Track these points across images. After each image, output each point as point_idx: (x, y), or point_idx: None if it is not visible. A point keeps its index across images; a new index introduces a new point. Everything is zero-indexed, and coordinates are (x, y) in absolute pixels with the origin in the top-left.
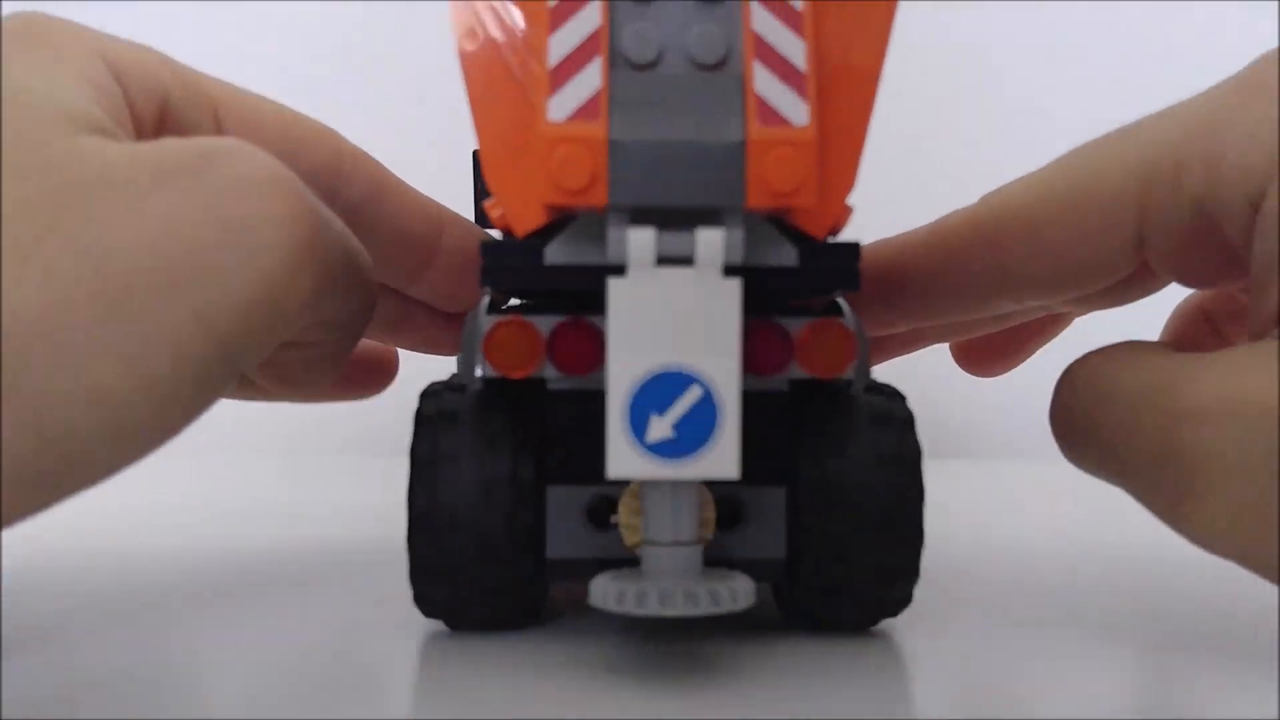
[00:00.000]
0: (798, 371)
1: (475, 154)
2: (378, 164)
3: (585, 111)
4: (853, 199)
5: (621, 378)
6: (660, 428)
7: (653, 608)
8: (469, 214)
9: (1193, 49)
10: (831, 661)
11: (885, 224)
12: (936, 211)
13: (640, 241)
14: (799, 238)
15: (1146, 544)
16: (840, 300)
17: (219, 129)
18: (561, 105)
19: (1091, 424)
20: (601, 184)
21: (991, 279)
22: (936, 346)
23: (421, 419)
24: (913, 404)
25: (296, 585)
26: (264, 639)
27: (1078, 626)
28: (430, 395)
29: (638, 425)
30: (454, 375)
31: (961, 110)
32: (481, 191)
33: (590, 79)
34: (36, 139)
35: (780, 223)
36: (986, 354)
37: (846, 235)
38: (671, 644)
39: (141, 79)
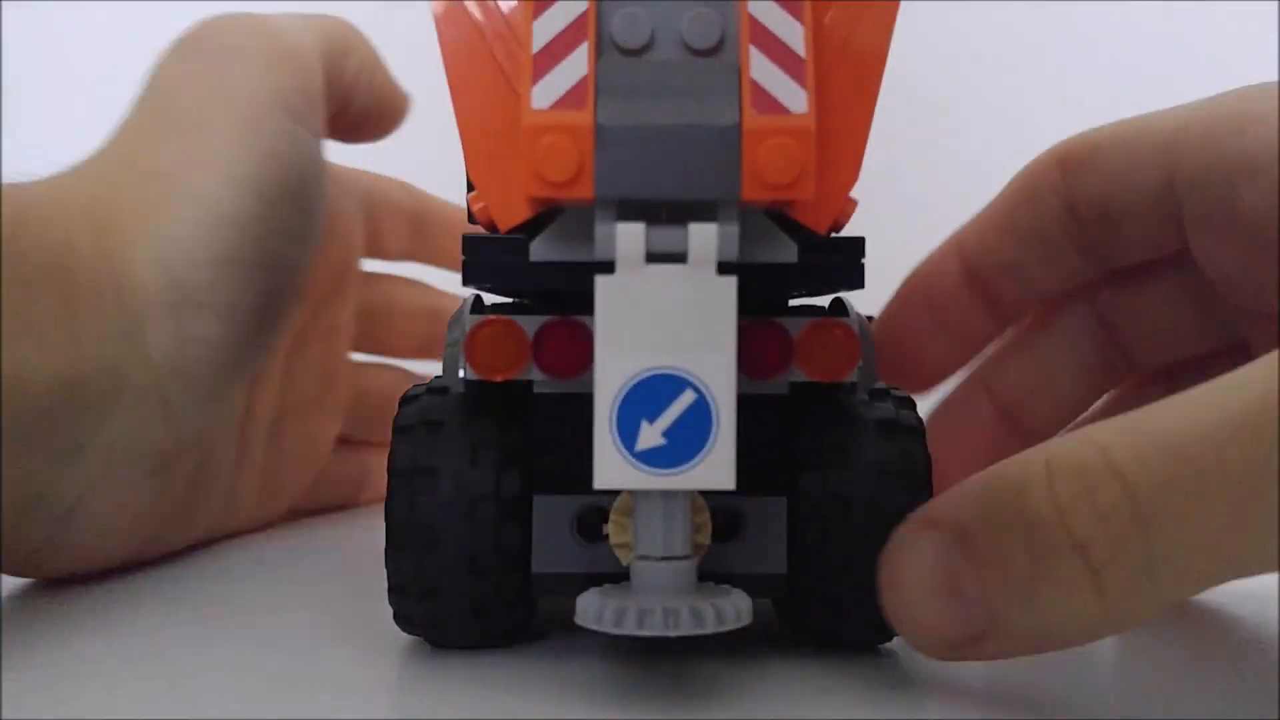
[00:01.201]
0: (798, 374)
1: None
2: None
3: (570, 99)
4: (859, 192)
5: (610, 381)
6: (650, 435)
7: (630, 627)
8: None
9: (1195, 50)
10: (836, 683)
11: (897, 220)
12: (952, 200)
13: (629, 237)
14: (800, 232)
15: None
16: (846, 299)
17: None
18: (546, 93)
19: None
20: (587, 176)
21: (1059, 210)
22: None
23: (401, 427)
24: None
25: (269, 600)
26: (235, 655)
27: None
28: (410, 400)
29: (627, 432)
30: (437, 378)
31: (977, 103)
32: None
33: (576, 65)
34: None
35: (780, 217)
36: None
37: (851, 230)
38: (668, 663)
39: None
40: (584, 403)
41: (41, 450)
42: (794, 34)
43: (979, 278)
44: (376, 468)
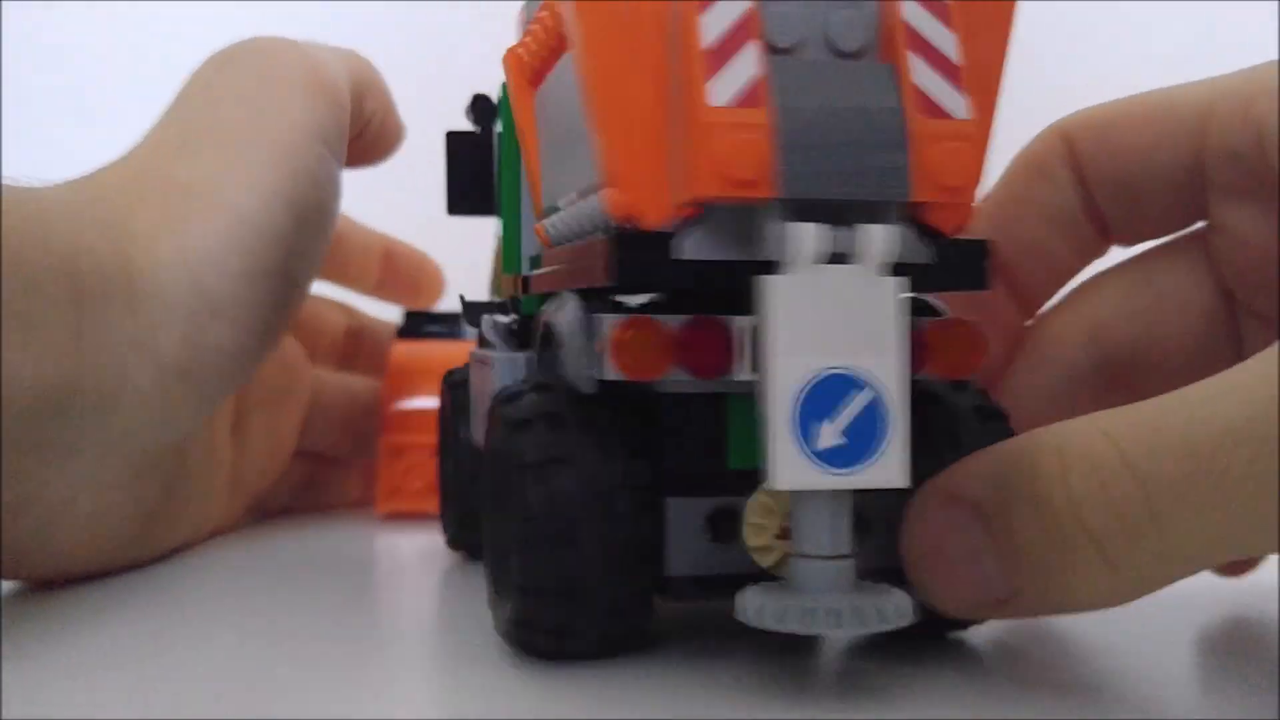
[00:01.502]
0: (926, 372)
1: (449, 135)
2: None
3: (748, 97)
4: None
5: (787, 381)
6: (830, 434)
7: (793, 625)
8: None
9: (1197, 48)
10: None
11: None
12: None
13: (804, 238)
14: (929, 234)
15: None
16: (930, 298)
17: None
18: (721, 90)
19: None
20: (771, 175)
21: (1072, 182)
22: None
23: (519, 421)
24: None
25: (265, 599)
26: (234, 654)
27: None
28: (512, 398)
29: (806, 432)
30: (528, 378)
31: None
32: (457, 173)
33: (748, 63)
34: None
35: (911, 219)
36: None
37: None
38: (791, 661)
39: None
40: (712, 403)
41: (39, 450)
42: (948, 42)
43: (1003, 265)
44: (325, 474)
